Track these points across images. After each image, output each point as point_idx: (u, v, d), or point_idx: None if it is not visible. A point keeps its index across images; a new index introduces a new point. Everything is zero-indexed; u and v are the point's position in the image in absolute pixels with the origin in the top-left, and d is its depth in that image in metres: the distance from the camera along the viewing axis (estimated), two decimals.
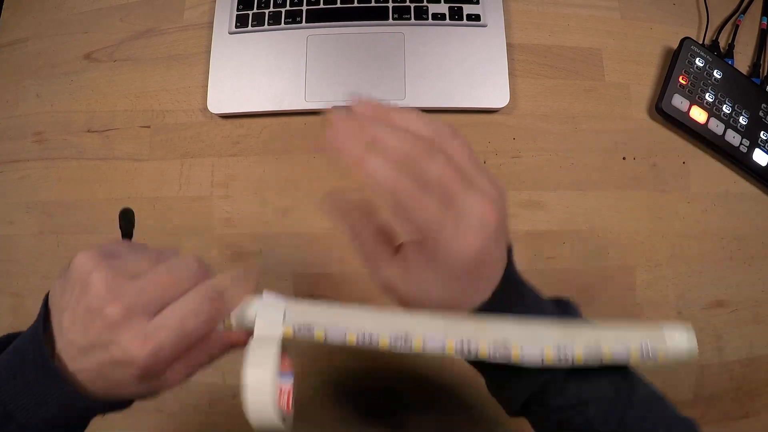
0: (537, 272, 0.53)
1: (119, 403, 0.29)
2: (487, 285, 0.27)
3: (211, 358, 0.29)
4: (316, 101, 0.55)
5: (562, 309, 0.30)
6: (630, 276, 0.54)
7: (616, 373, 0.29)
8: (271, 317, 0.27)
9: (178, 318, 0.26)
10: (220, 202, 0.55)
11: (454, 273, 0.25)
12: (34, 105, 0.59)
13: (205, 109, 0.56)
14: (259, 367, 0.26)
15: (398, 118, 0.27)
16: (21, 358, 0.26)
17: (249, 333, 0.27)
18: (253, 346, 0.27)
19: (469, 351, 0.25)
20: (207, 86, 0.56)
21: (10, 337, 0.29)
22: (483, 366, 0.30)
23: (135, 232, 0.55)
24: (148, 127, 0.57)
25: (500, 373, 0.28)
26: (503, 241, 0.27)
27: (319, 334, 0.27)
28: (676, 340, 0.26)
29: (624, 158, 0.56)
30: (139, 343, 0.25)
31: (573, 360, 0.26)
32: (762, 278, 0.55)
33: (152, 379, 0.26)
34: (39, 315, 0.27)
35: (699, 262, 0.54)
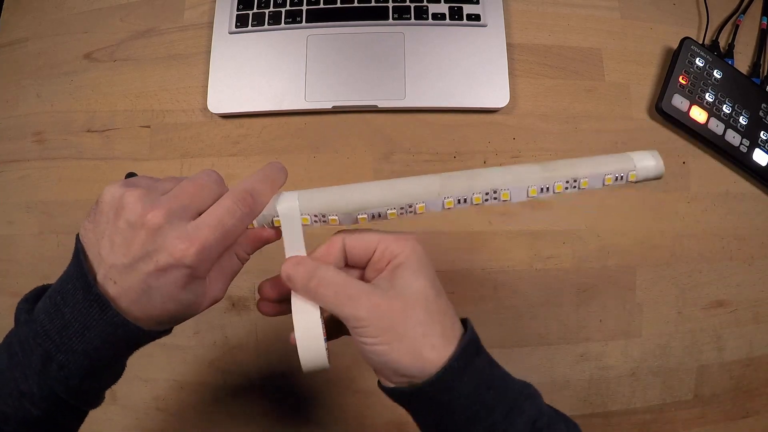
0: (537, 272, 0.53)
1: (160, 331, 0.29)
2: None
3: (243, 261, 0.31)
4: (316, 101, 0.55)
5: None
6: (630, 276, 0.54)
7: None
8: (289, 212, 0.30)
9: (217, 217, 0.27)
10: None
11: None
12: (34, 105, 0.59)
13: (205, 109, 0.56)
14: (306, 314, 0.29)
15: None
16: (62, 295, 0.26)
17: (275, 228, 0.31)
18: (293, 302, 0.30)
19: (465, 202, 0.30)
20: (207, 86, 0.56)
21: (43, 287, 0.29)
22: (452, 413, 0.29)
23: None
24: (148, 127, 0.57)
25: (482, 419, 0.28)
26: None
27: (333, 220, 0.30)
28: (644, 161, 0.30)
29: None
30: (184, 243, 0.25)
31: (554, 191, 0.30)
32: (762, 278, 0.55)
33: (197, 283, 0.27)
34: (74, 253, 0.27)
35: (699, 262, 0.54)
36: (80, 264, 0.26)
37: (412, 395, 0.28)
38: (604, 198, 0.55)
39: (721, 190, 0.56)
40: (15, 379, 0.25)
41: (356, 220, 0.30)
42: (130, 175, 0.32)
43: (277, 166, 0.31)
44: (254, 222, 0.30)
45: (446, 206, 0.30)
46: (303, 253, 0.30)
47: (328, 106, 0.55)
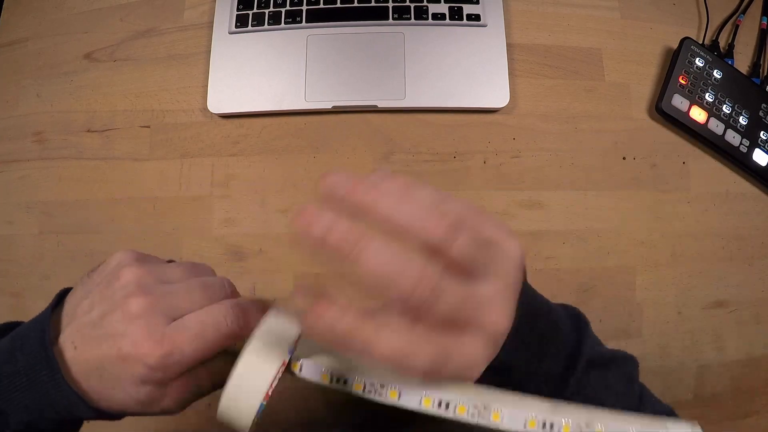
0: (537, 272, 0.53)
1: (107, 414, 0.26)
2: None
3: (214, 384, 0.27)
4: (316, 101, 0.55)
5: (574, 321, 0.30)
6: (630, 276, 0.54)
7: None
8: (280, 335, 0.25)
9: (199, 325, 0.25)
10: (220, 202, 0.55)
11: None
12: (34, 105, 0.59)
13: (205, 109, 0.56)
14: (262, 359, 0.24)
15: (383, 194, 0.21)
16: (22, 340, 0.25)
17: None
18: (260, 333, 0.24)
19: (447, 406, 0.24)
20: (207, 86, 0.56)
21: (11, 325, 0.28)
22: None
23: (135, 231, 0.55)
24: (148, 127, 0.57)
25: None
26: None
27: (324, 377, 0.26)
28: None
29: (624, 158, 0.56)
30: (154, 341, 0.24)
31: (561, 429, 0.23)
32: (762, 278, 0.55)
33: (154, 386, 0.25)
34: (50, 303, 0.26)
35: (699, 262, 0.54)
36: (45, 316, 0.25)
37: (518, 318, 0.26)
38: (604, 198, 0.55)
39: (721, 190, 0.56)
40: None
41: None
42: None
43: (268, 302, 0.28)
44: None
45: (423, 404, 0.25)
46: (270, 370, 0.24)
47: (328, 106, 0.55)
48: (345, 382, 0.25)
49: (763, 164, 0.55)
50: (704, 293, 0.54)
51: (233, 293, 0.27)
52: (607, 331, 0.53)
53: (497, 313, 0.22)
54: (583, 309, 0.52)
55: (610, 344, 0.50)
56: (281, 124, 0.56)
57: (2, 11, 0.63)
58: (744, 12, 0.60)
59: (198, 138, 0.56)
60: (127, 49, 0.59)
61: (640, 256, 0.54)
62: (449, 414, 0.24)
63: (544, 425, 0.23)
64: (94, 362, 0.24)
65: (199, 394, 0.28)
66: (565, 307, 0.31)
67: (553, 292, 0.52)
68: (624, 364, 0.30)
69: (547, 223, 0.54)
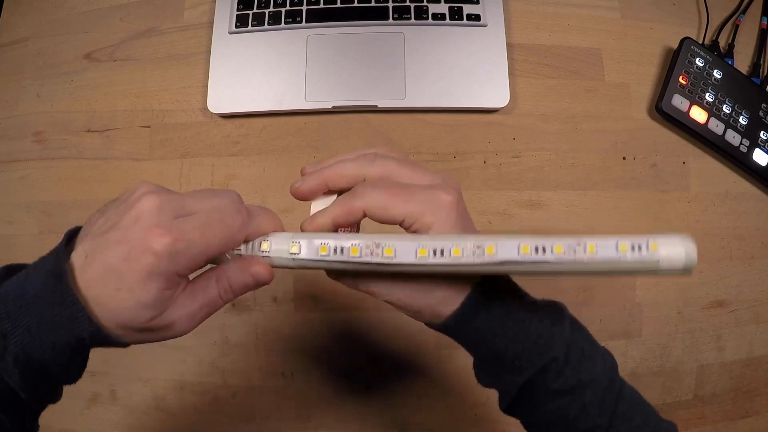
0: None
1: (111, 338, 0.25)
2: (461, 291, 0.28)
3: (223, 298, 0.28)
4: (316, 101, 0.55)
5: (550, 308, 0.30)
6: (630, 276, 0.54)
7: (606, 363, 0.30)
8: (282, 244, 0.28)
9: (206, 217, 0.25)
10: None
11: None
12: (34, 105, 0.59)
13: (205, 109, 0.56)
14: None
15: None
16: (34, 265, 0.25)
17: (272, 265, 0.28)
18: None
19: (442, 252, 0.25)
20: (207, 86, 0.56)
21: (12, 267, 0.27)
22: (478, 353, 0.30)
23: None
24: (148, 127, 0.57)
25: (497, 359, 0.29)
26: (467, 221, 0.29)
27: (323, 248, 0.27)
28: (672, 244, 0.24)
29: (624, 158, 0.56)
30: (162, 229, 0.24)
31: (552, 250, 0.24)
32: (762, 278, 0.55)
33: (161, 283, 0.24)
34: (68, 232, 0.26)
35: (699, 262, 0.54)
36: (64, 238, 0.26)
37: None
38: (604, 198, 0.55)
39: (721, 190, 0.56)
40: None
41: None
42: None
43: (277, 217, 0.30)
44: (242, 249, 0.28)
45: (419, 255, 0.25)
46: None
47: (328, 106, 0.55)
48: (342, 250, 0.26)
49: (763, 164, 0.55)
50: (704, 293, 0.54)
51: (240, 200, 0.28)
52: (607, 331, 0.53)
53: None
54: (583, 309, 0.52)
55: (610, 344, 0.50)
56: (281, 124, 0.56)
57: (2, 11, 0.63)
58: (744, 12, 0.60)
59: (198, 138, 0.56)
60: (127, 49, 0.59)
61: None
62: (446, 260, 0.25)
63: (536, 249, 0.25)
64: (101, 266, 0.24)
65: (209, 308, 0.27)
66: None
67: (554, 292, 0.52)
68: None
69: (547, 223, 0.54)
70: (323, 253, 0.26)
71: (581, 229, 0.54)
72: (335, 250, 0.26)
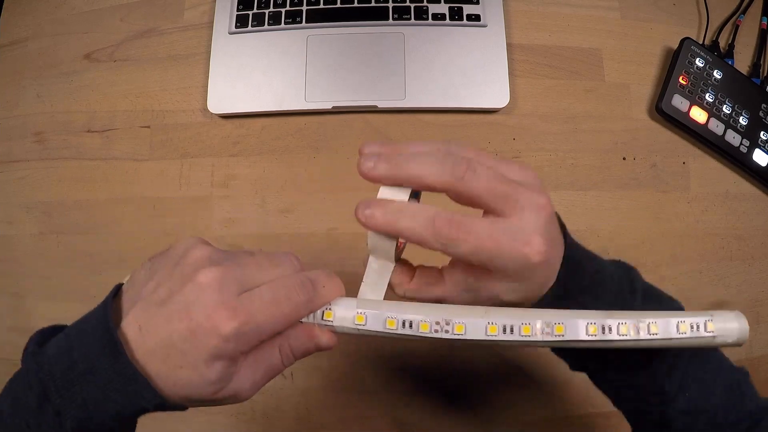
0: None
1: (171, 403, 0.25)
2: (551, 273, 0.27)
3: (286, 362, 0.27)
4: (316, 101, 0.55)
5: (624, 271, 0.31)
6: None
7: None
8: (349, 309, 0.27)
9: (272, 294, 0.24)
10: (220, 202, 0.55)
11: (523, 276, 0.25)
12: (34, 105, 0.59)
13: (205, 109, 0.56)
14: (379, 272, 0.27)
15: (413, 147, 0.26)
16: (77, 333, 0.24)
17: (334, 332, 0.27)
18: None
19: (512, 330, 0.25)
20: (207, 86, 0.56)
21: (57, 327, 0.26)
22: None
23: (135, 231, 0.55)
24: (148, 127, 0.57)
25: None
26: (556, 224, 0.27)
27: (390, 322, 0.27)
28: (726, 320, 0.25)
29: (624, 158, 0.56)
30: (228, 311, 0.22)
31: (618, 331, 0.25)
32: (762, 278, 0.55)
33: (225, 363, 0.24)
34: (109, 294, 0.25)
35: (699, 262, 0.54)
36: (106, 303, 0.24)
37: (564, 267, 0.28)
38: (604, 198, 0.55)
39: (721, 190, 0.56)
40: (17, 426, 0.23)
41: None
42: None
43: (337, 279, 0.27)
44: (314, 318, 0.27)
45: (489, 332, 0.26)
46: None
47: (328, 106, 0.55)
48: (411, 325, 0.26)
49: (763, 164, 0.55)
50: (704, 293, 0.54)
51: (300, 266, 0.27)
52: None
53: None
54: None
55: None
56: (281, 124, 0.56)
57: (2, 11, 0.63)
58: (744, 12, 0.60)
59: (198, 138, 0.56)
60: (127, 49, 0.59)
61: (640, 256, 0.54)
62: (515, 337, 0.25)
63: (602, 329, 0.25)
64: (161, 341, 0.23)
65: (271, 374, 0.27)
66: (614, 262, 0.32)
67: None
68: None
69: None
70: (391, 327, 0.26)
71: (582, 230, 0.54)
72: (404, 324, 0.26)
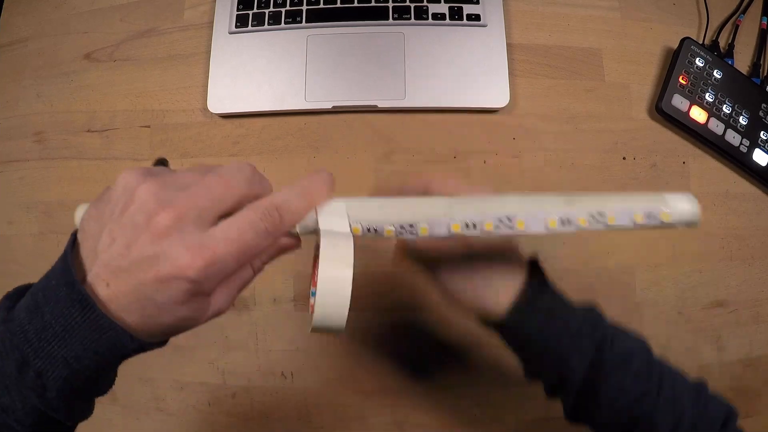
0: None
1: (151, 343, 0.25)
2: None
3: (257, 272, 0.27)
4: (316, 101, 0.55)
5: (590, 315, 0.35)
6: (630, 276, 0.54)
7: (639, 339, 0.34)
8: (335, 217, 0.26)
9: (236, 230, 0.23)
10: None
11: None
12: (34, 105, 0.59)
13: (205, 109, 0.56)
14: (337, 262, 0.24)
15: None
16: (44, 292, 0.23)
17: (299, 238, 0.27)
18: (325, 240, 0.25)
19: (475, 228, 0.27)
20: (207, 86, 0.56)
21: (27, 286, 0.25)
22: (529, 347, 0.34)
23: None
24: (148, 127, 0.57)
25: (553, 350, 0.33)
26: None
27: (389, 231, 0.27)
28: (679, 204, 0.28)
29: (624, 158, 0.56)
30: (192, 253, 0.22)
31: (577, 225, 0.27)
32: (762, 278, 0.55)
33: (199, 299, 0.24)
34: (66, 246, 0.24)
35: (699, 262, 0.54)
36: (66, 258, 0.23)
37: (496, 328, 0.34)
38: None
39: (721, 190, 0.56)
40: None
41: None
42: (159, 162, 0.29)
43: (321, 178, 0.27)
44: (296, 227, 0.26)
45: (452, 230, 0.27)
46: (348, 271, 0.25)
47: (328, 106, 0.55)
48: (375, 231, 0.27)
49: (763, 164, 0.55)
50: (704, 293, 0.54)
51: (257, 177, 0.26)
52: None
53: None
54: None
55: None
56: (281, 124, 0.56)
57: (2, 11, 0.63)
58: (744, 12, 0.60)
59: (198, 138, 0.56)
60: (127, 49, 0.59)
61: (640, 256, 0.54)
62: (477, 231, 0.27)
63: (562, 222, 0.27)
64: (131, 294, 0.22)
65: (244, 285, 0.27)
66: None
67: None
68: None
69: None
70: (356, 233, 0.27)
71: (582, 230, 0.54)
72: (368, 230, 0.27)
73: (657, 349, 0.53)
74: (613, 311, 0.53)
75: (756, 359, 0.53)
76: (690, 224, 0.28)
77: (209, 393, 0.52)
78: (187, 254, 0.22)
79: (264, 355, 0.52)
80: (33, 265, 0.55)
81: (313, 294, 0.25)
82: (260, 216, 0.24)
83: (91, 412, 0.27)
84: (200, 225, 0.23)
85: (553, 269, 0.54)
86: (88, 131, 0.58)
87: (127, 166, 0.56)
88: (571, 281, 0.53)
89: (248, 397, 0.52)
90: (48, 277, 0.24)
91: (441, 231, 0.27)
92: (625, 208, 0.27)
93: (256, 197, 0.25)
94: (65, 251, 0.24)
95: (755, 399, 0.53)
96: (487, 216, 0.27)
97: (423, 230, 0.27)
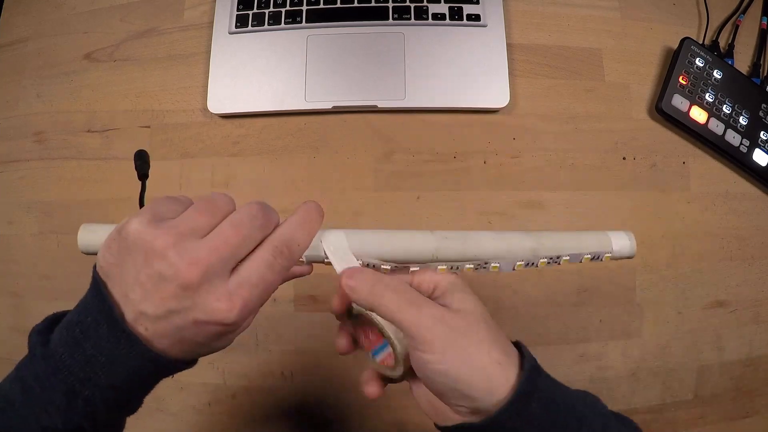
0: (537, 272, 0.53)
1: (188, 362, 0.28)
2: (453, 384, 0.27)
3: (274, 290, 0.29)
4: (316, 101, 0.55)
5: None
6: (630, 276, 0.54)
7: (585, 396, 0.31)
8: (338, 247, 0.30)
9: (258, 274, 0.26)
10: None
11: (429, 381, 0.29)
12: (34, 105, 0.59)
13: (205, 109, 0.56)
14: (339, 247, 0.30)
15: None
16: (82, 328, 0.25)
17: (311, 265, 0.31)
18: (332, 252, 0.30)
19: (458, 269, 0.31)
20: (207, 86, 0.56)
21: (55, 316, 0.28)
22: None
23: None
24: (148, 127, 0.57)
25: None
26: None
27: (385, 270, 0.31)
28: (621, 242, 0.34)
29: (624, 158, 0.56)
30: (225, 304, 0.25)
31: (537, 266, 0.32)
32: (762, 278, 0.55)
33: (232, 333, 0.27)
34: (93, 284, 0.26)
35: (699, 262, 0.54)
36: (103, 298, 0.25)
37: (485, 428, 0.27)
38: (604, 198, 0.55)
39: (721, 190, 0.56)
40: (35, 415, 0.24)
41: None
42: (140, 152, 0.31)
43: (312, 208, 0.29)
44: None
45: (439, 270, 0.31)
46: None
47: (328, 106, 0.55)
48: (373, 266, 0.31)
49: (763, 164, 0.55)
50: (704, 293, 0.54)
51: (266, 216, 0.28)
52: (607, 331, 0.53)
53: None
54: (583, 309, 0.52)
55: (611, 344, 0.50)
56: (281, 124, 0.56)
57: (2, 11, 0.63)
58: (744, 12, 0.60)
59: (198, 138, 0.56)
60: (127, 49, 0.59)
61: (640, 256, 0.54)
62: (459, 272, 0.32)
63: (527, 264, 0.32)
64: (171, 334, 0.25)
65: (261, 305, 0.28)
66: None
67: (553, 292, 0.52)
68: None
69: (547, 223, 0.54)
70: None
71: (581, 230, 0.54)
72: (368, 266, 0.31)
73: (657, 349, 0.53)
74: (613, 311, 0.54)
75: (756, 359, 0.54)
76: (629, 257, 0.34)
77: (209, 393, 0.52)
78: (222, 305, 0.25)
79: (264, 355, 0.52)
80: (33, 265, 0.55)
81: (381, 349, 0.32)
82: (273, 255, 0.27)
83: (123, 426, 0.30)
84: (224, 274, 0.25)
85: (553, 269, 0.54)
86: (88, 131, 0.58)
87: (127, 166, 0.56)
88: (571, 281, 0.53)
89: (248, 397, 0.52)
90: (82, 312, 0.26)
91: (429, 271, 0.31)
92: (576, 253, 0.33)
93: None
94: (96, 287, 0.26)
95: (755, 399, 0.53)
96: (468, 261, 0.31)
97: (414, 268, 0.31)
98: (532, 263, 0.32)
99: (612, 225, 0.54)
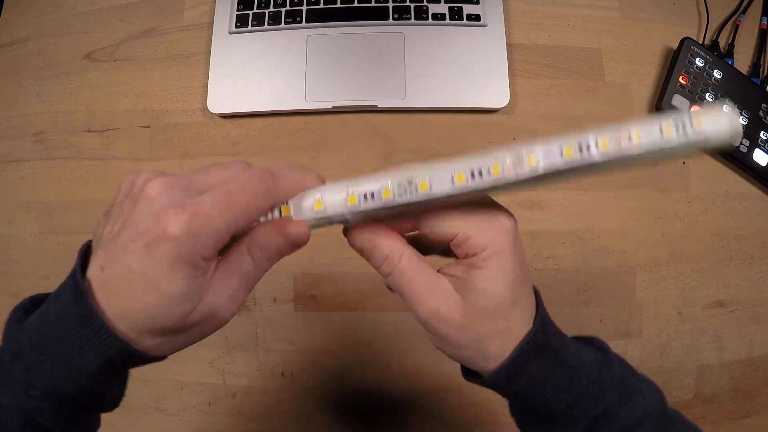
0: (537, 272, 0.53)
1: (151, 355, 0.23)
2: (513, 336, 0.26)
3: (260, 265, 0.24)
4: (316, 101, 0.55)
5: (593, 346, 0.29)
6: (630, 276, 0.54)
7: (654, 393, 0.28)
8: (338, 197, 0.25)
9: (225, 188, 0.22)
10: None
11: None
12: (34, 105, 0.59)
13: (205, 109, 0.56)
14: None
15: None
16: (56, 293, 0.23)
17: (309, 226, 0.25)
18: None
19: (481, 174, 0.24)
20: (207, 86, 0.56)
21: (36, 299, 0.25)
22: (524, 403, 0.28)
23: None
24: (148, 127, 0.57)
25: (548, 411, 0.27)
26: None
27: (351, 199, 0.25)
28: (714, 116, 0.21)
29: None
30: (174, 210, 0.21)
31: (597, 145, 0.23)
32: (762, 278, 0.55)
33: (188, 271, 0.21)
34: (80, 250, 0.24)
35: (699, 262, 0.54)
36: (78, 257, 0.23)
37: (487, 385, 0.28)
38: (604, 198, 0.55)
39: (721, 190, 0.56)
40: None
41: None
42: None
43: (308, 169, 0.26)
44: (290, 208, 0.25)
45: (456, 182, 0.25)
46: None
47: (328, 106, 0.55)
48: (372, 196, 0.25)
49: (763, 164, 0.55)
50: (704, 293, 0.54)
51: (249, 167, 0.25)
52: (607, 331, 0.53)
53: None
54: (583, 309, 0.52)
55: (610, 344, 0.49)
56: (281, 124, 0.56)
57: (2, 11, 0.63)
58: (744, 12, 0.60)
59: (198, 138, 0.56)
60: (127, 49, 0.59)
61: (640, 256, 0.54)
62: (485, 181, 0.24)
63: (580, 148, 0.24)
64: (119, 271, 0.21)
65: (247, 283, 0.24)
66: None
67: (553, 292, 0.52)
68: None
69: (547, 223, 0.54)
70: (353, 204, 0.24)
71: (581, 230, 0.54)
72: (365, 197, 0.25)
73: (657, 349, 0.53)
74: (613, 311, 0.54)
75: (756, 359, 0.54)
76: (731, 138, 0.21)
77: (209, 393, 0.52)
78: (170, 210, 0.21)
79: (264, 355, 0.52)
80: (33, 265, 0.55)
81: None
82: (252, 176, 0.23)
83: (97, 427, 0.26)
84: (191, 192, 0.22)
85: (553, 269, 0.54)
86: (88, 131, 0.58)
87: (127, 166, 0.56)
88: (571, 281, 0.53)
89: (248, 397, 0.52)
90: (59, 290, 0.24)
91: (445, 187, 0.25)
92: (653, 129, 0.22)
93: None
94: (78, 253, 0.24)
95: (755, 399, 0.53)
96: (494, 159, 0.24)
97: (423, 186, 0.26)
98: (587, 145, 0.23)
99: (612, 225, 0.54)
